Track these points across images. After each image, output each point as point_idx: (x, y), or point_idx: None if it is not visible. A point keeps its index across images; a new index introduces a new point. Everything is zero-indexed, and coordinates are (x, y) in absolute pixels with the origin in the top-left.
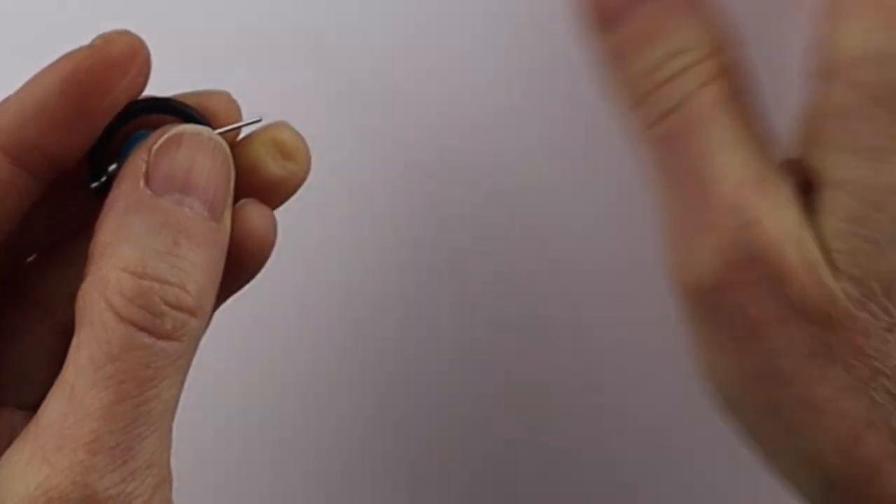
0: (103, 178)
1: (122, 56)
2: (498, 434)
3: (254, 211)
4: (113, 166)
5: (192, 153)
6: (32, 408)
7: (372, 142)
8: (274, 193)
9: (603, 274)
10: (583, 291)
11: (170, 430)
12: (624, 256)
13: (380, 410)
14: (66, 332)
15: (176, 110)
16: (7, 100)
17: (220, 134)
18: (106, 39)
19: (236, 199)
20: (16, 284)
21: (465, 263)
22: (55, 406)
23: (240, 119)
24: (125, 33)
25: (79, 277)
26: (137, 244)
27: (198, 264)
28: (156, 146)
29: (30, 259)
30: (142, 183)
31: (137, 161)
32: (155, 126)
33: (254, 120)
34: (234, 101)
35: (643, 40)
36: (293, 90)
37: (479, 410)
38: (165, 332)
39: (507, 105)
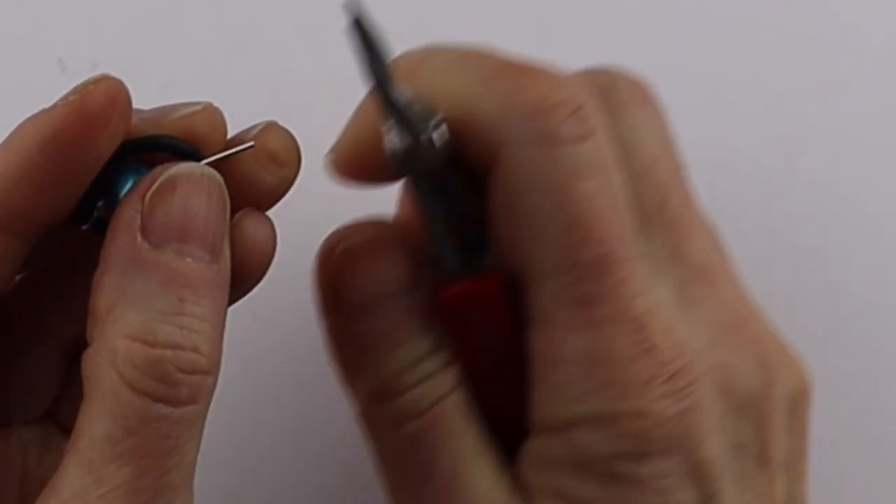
0: (94, 215)
1: (101, 108)
2: None
3: (253, 224)
4: (101, 203)
5: (186, 196)
6: (37, 422)
7: None
8: (268, 200)
9: None
10: None
11: (192, 486)
12: None
13: None
14: (66, 350)
15: (165, 146)
16: None
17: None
18: (83, 93)
19: (232, 210)
20: (16, 306)
21: None
22: (75, 478)
23: (226, 132)
24: (102, 80)
25: (77, 296)
26: (142, 308)
27: (206, 317)
28: (149, 194)
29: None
30: (139, 236)
31: (130, 212)
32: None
33: (247, 146)
34: (218, 114)
35: (388, 341)
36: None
37: None
38: (182, 399)
39: None
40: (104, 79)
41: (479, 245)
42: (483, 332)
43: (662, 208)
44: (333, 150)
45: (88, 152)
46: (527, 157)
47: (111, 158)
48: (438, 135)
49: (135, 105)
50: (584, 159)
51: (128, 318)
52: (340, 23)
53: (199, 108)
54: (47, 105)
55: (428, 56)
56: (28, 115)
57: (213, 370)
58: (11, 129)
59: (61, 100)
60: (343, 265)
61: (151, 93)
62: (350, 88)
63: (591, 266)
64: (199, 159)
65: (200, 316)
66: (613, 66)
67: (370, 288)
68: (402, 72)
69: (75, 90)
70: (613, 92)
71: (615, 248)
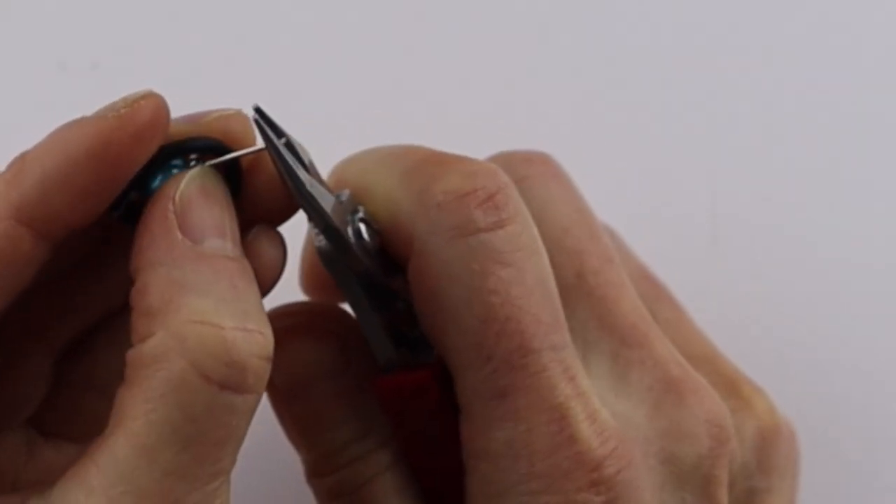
0: (126, 201)
1: (149, 124)
2: None
3: (266, 241)
4: (133, 193)
5: (215, 194)
6: (19, 427)
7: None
8: (285, 211)
9: None
10: None
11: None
12: None
13: None
14: (53, 355)
15: (199, 146)
16: (25, 164)
17: (234, 160)
18: (133, 107)
19: (249, 223)
20: (14, 313)
21: None
22: (126, 459)
23: (255, 138)
24: (150, 97)
25: (72, 304)
26: (204, 294)
27: (258, 304)
28: (179, 193)
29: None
30: (178, 234)
31: (165, 212)
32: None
33: (258, 148)
34: (248, 119)
35: (317, 424)
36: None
37: None
38: (248, 387)
39: None
40: (151, 95)
41: (412, 335)
42: (418, 421)
43: (581, 278)
44: (300, 276)
45: (131, 165)
46: (439, 247)
47: (150, 161)
48: (361, 230)
49: None
50: (498, 247)
51: (192, 306)
52: (341, 22)
53: (231, 111)
54: (46, 105)
55: (355, 158)
56: (28, 115)
57: (272, 356)
58: (11, 129)
59: (108, 110)
60: None
61: None
62: (350, 88)
63: (508, 358)
64: (228, 149)
65: (254, 302)
66: (508, 150)
67: (294, 373)
68: (332, 175)
69: (125, 102)
70: (512, 171)
71: (531, 338)
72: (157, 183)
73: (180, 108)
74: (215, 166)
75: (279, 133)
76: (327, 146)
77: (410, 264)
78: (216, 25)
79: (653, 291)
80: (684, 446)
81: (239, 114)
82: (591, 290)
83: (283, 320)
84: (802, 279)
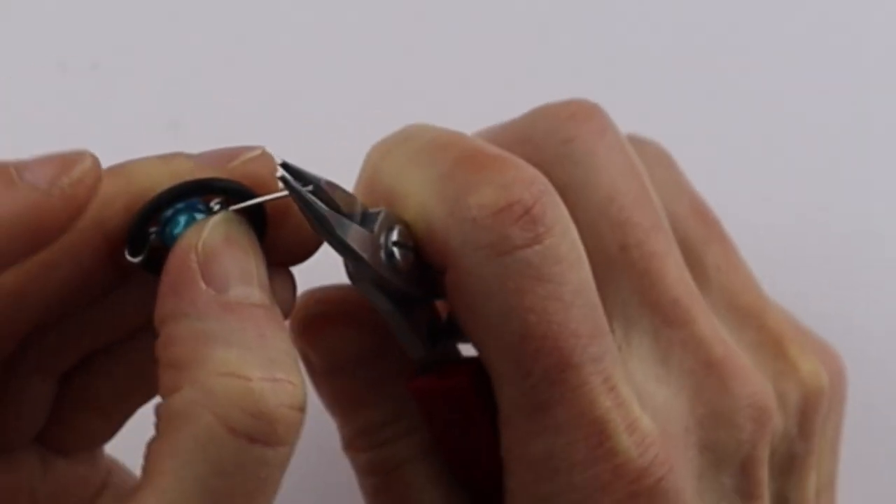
0: (144, 250)
1: (86, 204)
2: None
3: (278, 285)
4: (153, 231)
5: (239, 241)
6: (32, 444)
7: None
8: (308, 250)
9: None
10: None
11: None
12: None
13: None
14: (62, 379)
15: (223, 189)
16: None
17: (259, 205)
18: (78, 187)
19: (271, 260)
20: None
21: None
22: None
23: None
24: (91, 170)
25: (78, 334)
26: (231, 346)
27: (289, 352)
28: (202, 242)
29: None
30: (202, 284)
31: (188, 261)
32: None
33: (282, 194)
34: (272, 159)
35: (351, 405)
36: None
37: None
38: (278, 439)
39: None
40: (92, 169)
41: (447, 336)
42: (452, 422)
43: (624, 251)
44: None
45: (55, 237)
46: (474, 264)
47: (167, 197)
48: (395, 254)
49: (135, 103)
50: (535, 264)
51: (219, 358)
52: (341, 23)
53: (256, 153)
54: (46, 105)
55: (391, 149)
56: (28, 115)
57: (304, 405)
58: (11, 129)
59: (40, 172)
60: (307, 331)
61: (151, 93)
62: (350, 88)
63: (546, 375)
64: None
65: (284, 350)
66: (551, 103)
67: (331, 358)
68: (366, 170)
69: (69, 178)
70: (556, 133)
71: (570, 354)
72: (179, 229)
73: (181, 107)
74: (239, 210)
75: (308, 181)
76: (327, 146)
77: (447, 276)
78: (216, 25)
79: (703, 231)
80: (725, 433)
81: (263, 155)
82: (634, 263)
83: (320, 306)
84: (802, 279)
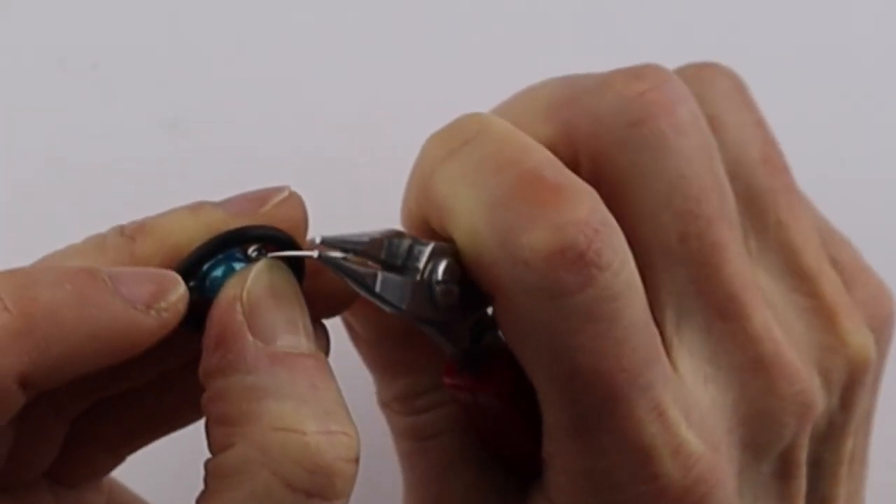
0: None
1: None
2: None
3: (316, 334)
4: (191, 288)
5: (282, 289)
6: (50, 476)
7: None
8: (346, 302)
9: None
10: None
11: None
12: None
13: None
14: (70, 417)
15: (260, 237)
16: (38, 314)
17: (295, 247)
18: (172, 311)
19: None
20: None
21: None
22: None
23: (307, 216)
24: (183, 296)
25: (96, 383)
26: (283, 399)
27: (339, 401)
28: (246, 292)
29: None
30: (249, 336)
31: (233, 314)
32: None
33: (312, 253)
34: (300, 200)
35: (391, 371)
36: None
37: None
38: (336, 493)
39: None
40: (184, 295)
41: (491, 330)
42: (486, 415)
43: (684, 242)
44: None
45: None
46: (524, 304)
47: (204, 251)
48: (436, 293)
49: (135, 103)
50: (586, 307)
51: (272, 412)
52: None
53: (285, 195)
54: (46, 105)
55: (448, 155)
56: (28, 114)
57: (359, 457)
58: (11, 129)
59: (135, 288)
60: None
61: (151, 92)
62: (350, 88)
63: (593, 405)
64: (295, 245)
65: (336, 400)
66: (627, 69)
67: (372, 325)
68: (421, 169)
69: (167, 302)
70: (610, 119)
71: (619, 387)
72: (219, 281)
73: (181, 107)
74: (278, 257)
75: (347, 246)
76: (328, 146)
77: (495, 302)
78: (216, 25)
79: (769, 181)
80: (768, 431)
81: (292, 196)
82: (693, 254)
83: None
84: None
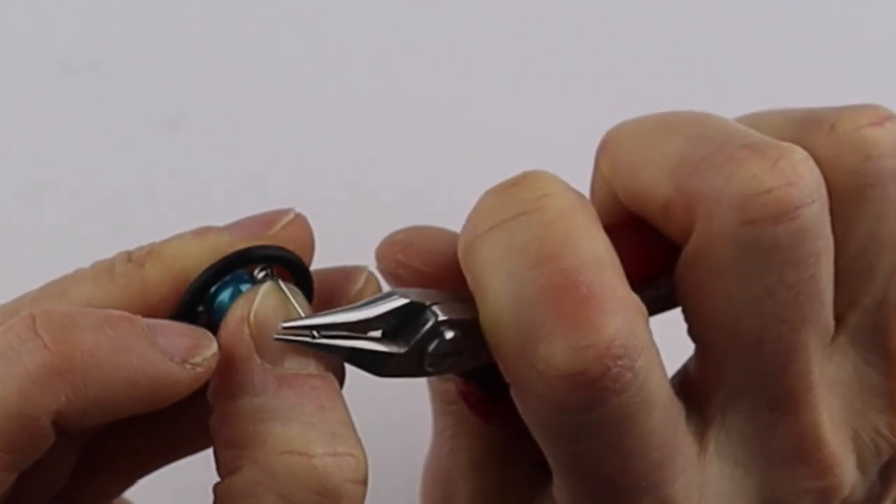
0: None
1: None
2: None
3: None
4: (200, 309)
5: (287, 311)
6: (59, 500)
7: None
8: None
9: None
10: None
11: None
12: None
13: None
14: (82, 441)
15: (266, 258)
16: (77, 355)
17: (304, 268)
18: (205, 367)
19: None
20: None
21: None
22: None
23: (313, 238)
24: (215, 355)
25: None
26: (289, 422)
27: (346, 421)
28: (253, 313)
29: None
30: (256, 358)
31: (240, 335)
32: None
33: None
34: (306, 222)
35: None
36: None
37: None
38: None
39: None
40: (216, 354)
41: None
42: (503, 427)
43: (759, 343)
44: None
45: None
46: (534, 409)
47: (211, 273)
48: (429, 365)
49: (135, 102)
50: (595, 424)
51: (277, 436)
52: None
53: (290, 217)
54: (46, 105)
55: (496, 227)
56: (28, 114)
57: (367, 478)
58: (11, 129)
59: (175, 342)
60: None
61: (151, 92)
62: (350, 88)
63: (599, 501)
64: (302, 265)
65: (343, 421)
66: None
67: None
68: (465, 234)
69: (202, 357)
70: (838, 176)
71: (624, 489)
72: (227, 303)
73: (181, 106)
74: (285, 277)
75: (337, 327)
76: (328, 146)
77: (510, 389)
78: (216, 25)
79: (891, 262)
80: None
81: (298, 218)
82: (765, 355)
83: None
84: None
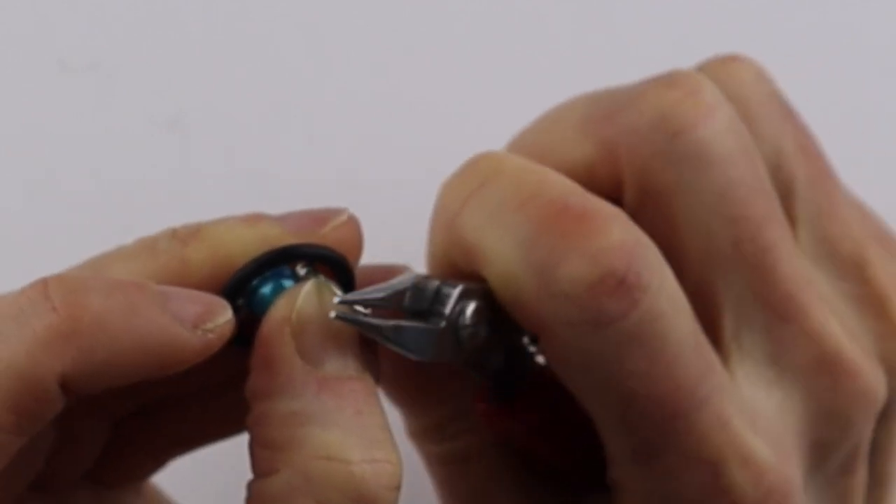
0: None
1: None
2: None
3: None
4: (240, 301)
5: (328, 310)
6: (90, 477)
7: None
8: None
9: None
10: None
11: None
12: None
13: None
14: (113, 419)
15: (310, 257)
16: (86, 318)
17: (347, 266)
18: (218, 333)
19: None
20: None
21: None
22: None
23: (362, 241)
24: (230, 321)
25: (138, 388)
26: (327, 427)
27: (383, 426)
28: (296, 312)
29: None
30: (297, 359)
31: (281, 335)
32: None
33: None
34: (358, 223)
35: (432, 397)
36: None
37: None
38: None
39: None
40: (231, 321)
41: (526, 357)
42: (522, 437)
43: (736, 247)
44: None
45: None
46: (571, 339)
47: (259, 264)
48: (463, 338)
49: (135, 102)
50: (633, 330)
51: (315, 441)
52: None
53: (343, 218)
54: (46, 105)
55: (468, 198)
56: (28, 114)
57: (401, 485)
58: (11, 128)
59: (185, 307)
60: None
61: (152, 92)
62: (350, 88)
63: (654, 428)
64: (347, 267)
65: (380, 425)
66: (662, 76)
67: (394, 364)
68: (442, 217)
69: (214, 324)
70: (650, 133)
71: (676, 405)
72: (268, 298)
73: (181, 106)
74: (328, 276)
75: (371, 302)
76: (328, 146)
77: (540, 341)
78: (217, 24)
79: (807, 170)
80: (837, 431)
81: (351, 220)
82: (747, 258)
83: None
84: None
